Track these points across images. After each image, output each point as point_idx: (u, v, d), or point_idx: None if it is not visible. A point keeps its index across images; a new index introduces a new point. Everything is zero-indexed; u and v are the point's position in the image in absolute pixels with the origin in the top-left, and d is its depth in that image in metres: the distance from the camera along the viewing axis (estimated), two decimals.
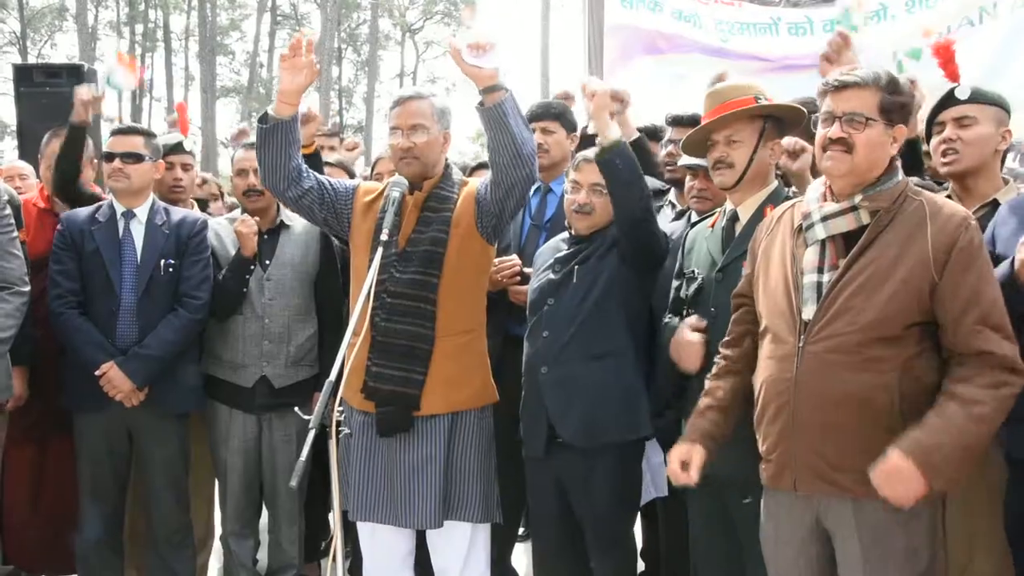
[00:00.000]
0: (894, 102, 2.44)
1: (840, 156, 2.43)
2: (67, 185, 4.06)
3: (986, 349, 2.32)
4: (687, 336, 2.92)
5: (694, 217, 3.43)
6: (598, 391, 3.19)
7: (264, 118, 3.15)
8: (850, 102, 2.44)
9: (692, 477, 2.65)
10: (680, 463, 2.67)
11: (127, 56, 4.57)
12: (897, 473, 2.26)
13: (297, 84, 3.12)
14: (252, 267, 3.81)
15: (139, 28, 35.52)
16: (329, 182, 3.33)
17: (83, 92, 4.02)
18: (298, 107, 3.19)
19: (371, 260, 2.99)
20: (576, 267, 3.28)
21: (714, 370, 2.76)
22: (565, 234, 3.44)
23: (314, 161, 3.71)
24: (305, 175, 3.24)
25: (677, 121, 4.00)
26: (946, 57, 3.18)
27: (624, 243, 3.22)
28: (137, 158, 3.76)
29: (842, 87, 2.45)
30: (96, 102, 4.08)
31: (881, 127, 2.43)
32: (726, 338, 2.76)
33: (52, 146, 4.18)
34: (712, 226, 3.10)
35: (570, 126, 4.13)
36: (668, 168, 4.04)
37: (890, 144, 2.46)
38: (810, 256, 2.50)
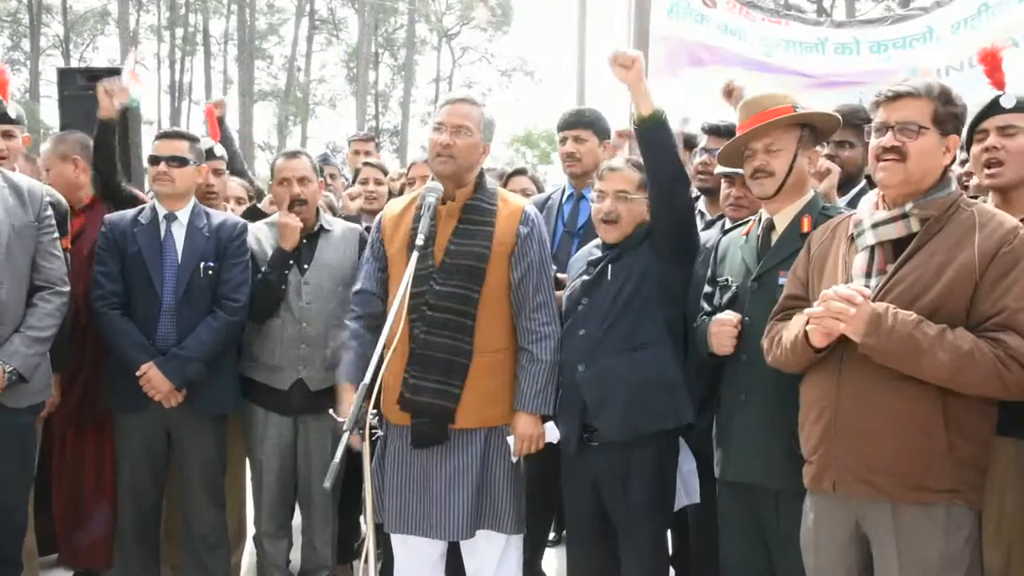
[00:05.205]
0: (947, 112, 2.47)
1: (894, 166, 2.46)
2: (108, 182, 4.15)
3: (1004, 340, 2.30)
4: (723, 316, 2.94)
5: (727, 224, 3.42)
6: (636, 381, 3.16)
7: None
8: (904, 111, 2.47)
9: None
10: None
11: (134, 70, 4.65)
12: (859, 308, 2.33)
13: None
14: (291, 262, 3.84)
15: (179, 32, 35.99)
16: (371, 268, 3.38)
17: (107, 84, 4.10)
18: None
19: (407, 266, 2.97)
20: (609, 265, 3.28)
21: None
22: (598, 240, 3.44)
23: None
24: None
25: (713, 130, 3.97)
26: (993, 64, 3.14)
27: (660, 223, 3.22)
28: (182, 162, 3.81)
29: (896, 97, 2.48)
30: (121, 93, 4.14)
31: (935, 136, 2.46)
32: (776, 314, 2.74)
33: (56, 149, 4.20)
34: (746, 234, 3.09)
35: (603, 133, 4.13)
36: (702, 176, 4.03)
37: (943, 154, 2.48)
38: (859, 261, 2.52)
